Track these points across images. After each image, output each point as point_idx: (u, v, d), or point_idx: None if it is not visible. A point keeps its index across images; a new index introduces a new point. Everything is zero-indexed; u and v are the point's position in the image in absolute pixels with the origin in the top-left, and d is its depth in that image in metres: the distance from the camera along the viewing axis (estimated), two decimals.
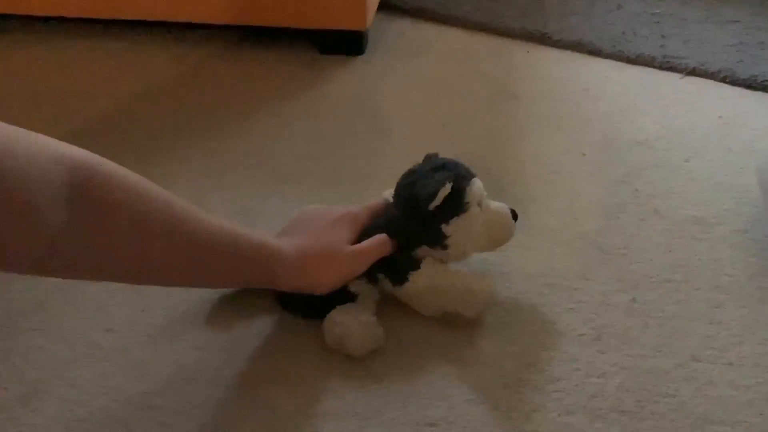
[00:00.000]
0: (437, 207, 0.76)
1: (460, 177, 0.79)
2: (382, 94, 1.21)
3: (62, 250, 0.58)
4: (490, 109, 1.16)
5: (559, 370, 0.74)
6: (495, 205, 0.81)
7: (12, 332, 0.79)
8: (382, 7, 1.39)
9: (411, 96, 1.20)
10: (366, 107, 1.18)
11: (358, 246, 0.78)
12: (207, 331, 0.80)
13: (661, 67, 1.26)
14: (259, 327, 0.80)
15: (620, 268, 0.86)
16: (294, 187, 1.00)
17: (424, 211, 0.77)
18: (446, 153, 0.85)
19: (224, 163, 1.05)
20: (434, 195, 0.76)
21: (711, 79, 1.22)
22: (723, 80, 1.21)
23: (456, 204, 0.77)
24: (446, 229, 0.78)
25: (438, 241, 0.78)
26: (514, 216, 0.82)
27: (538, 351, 0.76)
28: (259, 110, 1.16)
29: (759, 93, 1.18)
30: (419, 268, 0.78)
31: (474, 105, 1.17)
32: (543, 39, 1.34)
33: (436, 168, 0.79)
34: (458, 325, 0.79)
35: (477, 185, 0.79)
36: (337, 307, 0.77)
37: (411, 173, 0.81)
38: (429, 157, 0.84)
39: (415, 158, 0.85)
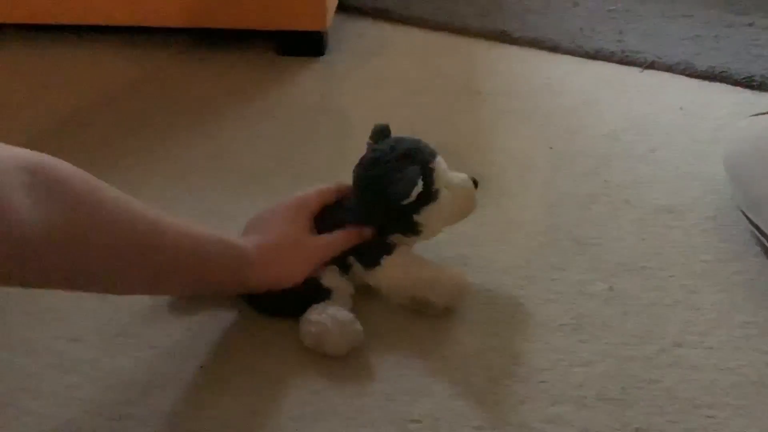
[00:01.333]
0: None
1: (426, 164, 0.77)
2: (344, 94, 1.20)
3: (32, 251, 0.55)
4: (454, 107, 1.16)
5: (543, 361, 0.73)
6: (457, 179, 0.80)
7: None
8: (341, 8, 1.38)
9: (373, 95, 1.19)
10: (328, 107, 1.16)
11: (323, 237, 0.77)
12: (177, 336, 0.77)
13: (620, 62, 1.27)
14: (231, 328, 0.77)
15: (595, 258, 0.85)
16: (260, 187, 0.98)
17: (395, 207, 0.75)
18: None
19: (188, 167, 1.02)
20: (407, 194, 0.74)
21: (670, 71, 1.23)
22: (682, 72, 1.23)
23: (426, 194, 0.76)
24: (418, 218, 0.77)
25: (411, 229, 0.77)
26: (475, 184, 0.81)
27: (520, 343, 0.75)
28: (220, 113, 1.14)
29: (717, 84, 1.20)
30: (392, 253, 0.77)
31: (438, 103, 1.17)
32: (502, 37, 1.34)
33: (400, 156, 0.77)
34: (438, 321, 0.77)
35: (441, 167, 0.78)
36: (313, 305, 0.75)
37: (375, 163, 0.77)
38: (380, 131, 0.81)
39: None
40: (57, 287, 0.64)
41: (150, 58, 1.28)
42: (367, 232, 0.78)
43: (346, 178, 0.81)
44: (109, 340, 0.76)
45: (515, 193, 0.96)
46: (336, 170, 1.00)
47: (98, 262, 0.62)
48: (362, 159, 0.79)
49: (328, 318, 0.73)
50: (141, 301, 0.80)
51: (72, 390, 0.71)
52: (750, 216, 0.86)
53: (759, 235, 0.85)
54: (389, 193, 0.75)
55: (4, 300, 0.80)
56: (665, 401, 0.69)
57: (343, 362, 0.73)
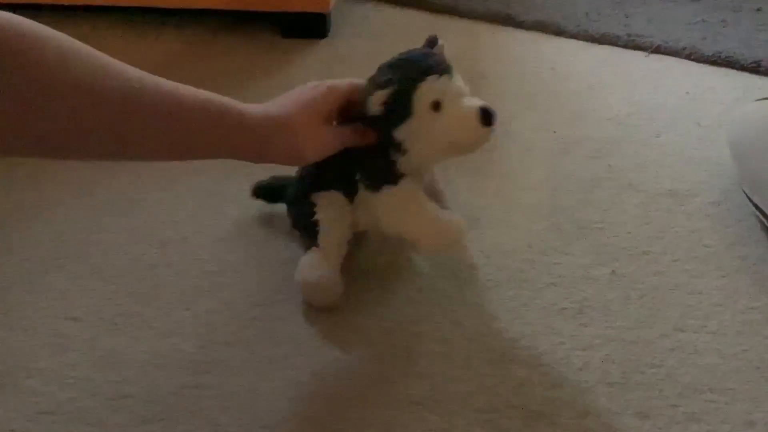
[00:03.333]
0: (385, 112, 0.72)
1: (407, 79, 0.72)
2: (346, 77, 1.18)
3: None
4: None
5: (544, 345, 0.73)
6: (465, 105, 0.73)
7: None
8: None
9: None
10: None
11: (334, 127, 0.75)
12: (176, 317, 0.76)
13: (626, 46, 1.26)
14: (229, 308, 0.77)
15: (598, 241, 0.85)
16: (261, 168, 0.97)
17: (371, 117, 0.73)
18: None
19: None
20: (363, 103, 0.72)
21: (676, 56, 1.22)
22: (688, 57, 1.21)
23: (402, 109, 0.72)
24: (397, 134, 0.73)
25: (394, 146, 0.74)
26: (487, 117, 0.72)
27: (522, 326, 0.75)
28: (222, 94, 1.13)
29: (723, 69, 1.19)
30: (396, 184, 0.75)
31: None
32: (507, 20, 1.33)
33: (390, 66, 0.74)
34: (440, 304, 0.77)
35: (429, 86, 0.72)
36: (304, 257, 0.77)
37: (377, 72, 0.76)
38: (428, 42, 0.79)
39: None
40: (28, 155, 0.60)
41: (151, 40, 1.27)
42: (371, 134, 0.75)
43: None
44: (108, 319, 0.76)
45: (518, 177, 0.95)
46: None
47: (63, 128, 0.58)
48: None
49: (313, 270, 0.75)
50: (140, 281, 0.80)
51: (70, 369, 0.71)
52: (755, 200, 0.85)
53: (764, 219, 0.84)
54: (359, 101, 0.74)
55: (4, 279, 0.80)
56: (666, 385, 0.69)
57: (342, 344, 0.73)
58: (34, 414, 0.67)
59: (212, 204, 0.91)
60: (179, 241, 0.85)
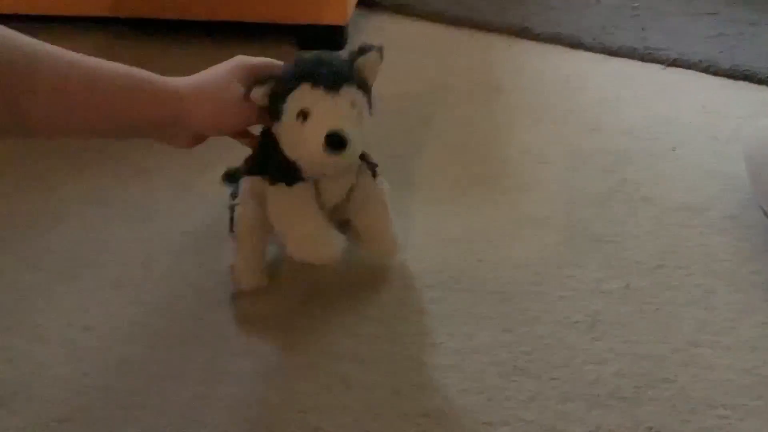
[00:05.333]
0: (268, 106, 0.74)
1: (284, 82, 0.72)
2: None
3: None
4: (474, 101, 1.15)
5: (555, 358, 0.72)
6: (321, 124, 0.70)
7: None
8: (361, 3, 1.37)
9: (392, 89, 1.18)
10: None
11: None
12: (189, 329, 0.77)
13: (642, 59, 1.25)
14: (241, 320, 0.78)
15: (612, 255, 0.84)
16: None
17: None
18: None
19: (205, 160, 1.02)
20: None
21: (693, 69, 1.22)
22: (705, 70, 1.21)
23: (276, 108, 0.73)
24: (274, 128, 0.75)
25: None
26: (331, 144, 0.69)
27: (533, 339, 0.75)
28: None
29: (740, 82, 1.18)
30: (291, 186, 0.75)
31: (457, 97, 1.16)
32: (523, 32, 1.33)
33: (295, 63, 0.75)
34: (451, 316, 0.77)
35: (300, 94, 0.71)
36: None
37: None
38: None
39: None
40: None
41: (171, 49, 1.28)
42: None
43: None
44: (121, 329, 0.77)
45: (532, 189, 0.95)
46: None
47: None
48: None
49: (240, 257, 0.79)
50: (154, 291, 0.81)
51: (83, 378, 0.71)
52: None
53: None
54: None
55: (20, 288, 0.81)
56: (679, 400, 0.68)
57: (353, 355, 0.73)
58: (48, 421, 0.67)
59: (226, 213, 0.91)
60: (194, 251, 0.86)
